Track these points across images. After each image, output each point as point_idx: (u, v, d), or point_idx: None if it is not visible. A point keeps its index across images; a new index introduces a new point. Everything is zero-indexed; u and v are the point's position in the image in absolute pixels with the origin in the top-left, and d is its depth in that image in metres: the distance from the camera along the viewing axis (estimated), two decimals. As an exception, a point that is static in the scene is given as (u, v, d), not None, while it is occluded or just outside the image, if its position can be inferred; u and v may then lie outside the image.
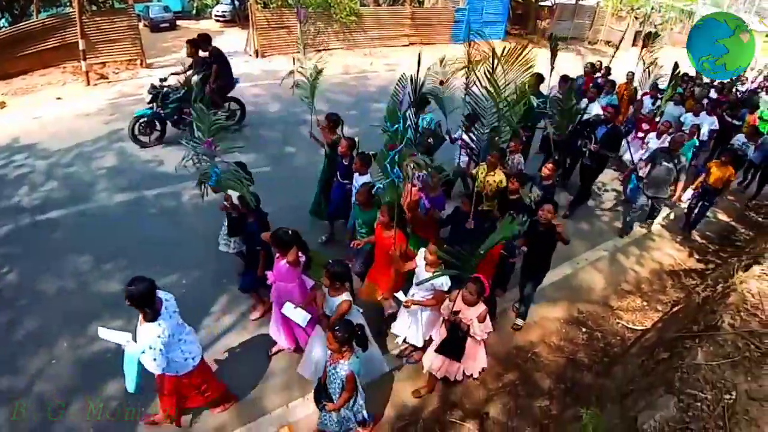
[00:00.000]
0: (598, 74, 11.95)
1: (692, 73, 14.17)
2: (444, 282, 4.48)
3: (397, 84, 5.56)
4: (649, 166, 7.85)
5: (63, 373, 4.88)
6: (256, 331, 5.60)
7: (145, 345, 3.49)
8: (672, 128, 8.94)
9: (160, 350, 3.49)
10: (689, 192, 8.58)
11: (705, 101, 11.05)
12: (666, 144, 8.04)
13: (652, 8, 30.03)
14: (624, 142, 8.96)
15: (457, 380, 4.89)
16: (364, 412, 4.12)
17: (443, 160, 7.77)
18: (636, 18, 28.79)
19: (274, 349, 5.28)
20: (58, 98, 11.69)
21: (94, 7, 15.01)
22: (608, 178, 10.21)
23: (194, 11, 25.80)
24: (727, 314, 4.17)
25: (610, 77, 11.29)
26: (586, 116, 8.64)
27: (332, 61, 17.81)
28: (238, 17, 22.93)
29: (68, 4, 15.11)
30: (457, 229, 5.69)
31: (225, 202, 5.19)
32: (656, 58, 10.73)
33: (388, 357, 5.30)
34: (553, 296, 6.79)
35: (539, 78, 8.28)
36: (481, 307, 4.32)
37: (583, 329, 6.34)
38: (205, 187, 4.80)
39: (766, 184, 10.57)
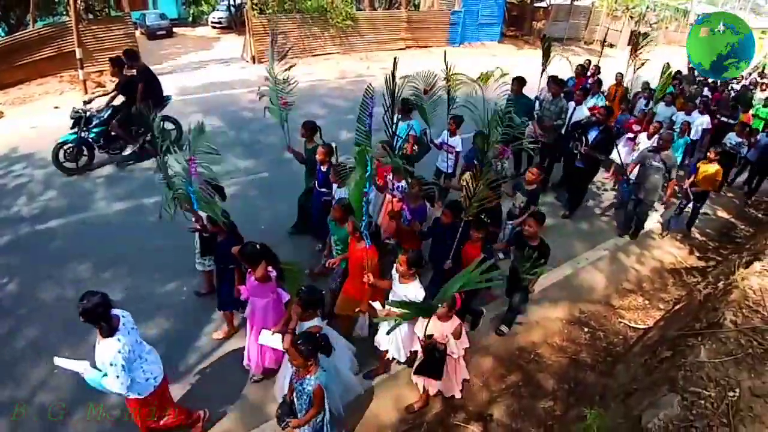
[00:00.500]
0: (589, 75, 11.82)
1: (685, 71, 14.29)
2: (417, 294, 4.34)
3: (364, 94, 5.52)
4: (638, 167, 7.79)
5: (65, 383, 4.84)
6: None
7: (105, 363, 3.37)
8: (663, 129, 8.83)
9: (122, 366, 3.37)
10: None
11: (698, 100, 10.97)
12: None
13: (647, 7, 30.16)
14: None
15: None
16: (327, 427, 3.97)
17: (431, 168, 7.86)
18: (631, 17, 28.90)
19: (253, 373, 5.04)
20: (56, 107, 11.70)
21: (91, 16, 15.01)
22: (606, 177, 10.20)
23: (190, 18, 25.86)
24: (729, 311, 4.16)
25: (600, 77, 11.22)
26: (575, 119, 8.61)
27: (328, 65, 17.89)
28: (235, 23, 23.01)
29: (65, 13, 15.13)
30: (437, 242, 5.48)
31: (195, 223, 5.07)
32: (646, 60, 10.79)
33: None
34: (555, 296, 6.78)
35: (521, 82, 8.24)
36: (455, 322, 4.22)
37: (586, 329, 6.33)
38: (175, 206, 4.65)
39: (764, 182, 10.58)
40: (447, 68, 6.81)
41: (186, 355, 5.27)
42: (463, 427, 4.86)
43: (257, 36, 17.00)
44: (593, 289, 7.15)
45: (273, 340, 4.18)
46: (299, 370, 3.62)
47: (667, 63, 9.78)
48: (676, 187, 8.31)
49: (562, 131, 8.75)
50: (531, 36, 25.81)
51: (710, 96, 12.59)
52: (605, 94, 10.95)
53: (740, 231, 9.54)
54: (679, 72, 13.74)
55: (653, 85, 11.01)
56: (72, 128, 8.44)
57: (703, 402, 3.23)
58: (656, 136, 8.28)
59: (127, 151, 8.83)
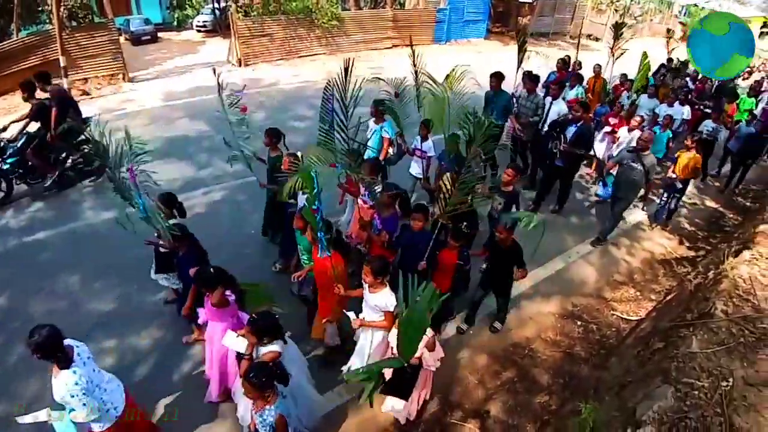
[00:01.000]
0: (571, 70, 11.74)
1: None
2: (389, 302, 4.21)
3: (324, 91, 5.46)
4: (617, 167, 7.68)
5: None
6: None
7: (65, 397, 3.24)
8: (644, 122, 8.88)
9: (84, 393, 3.25)
10: None
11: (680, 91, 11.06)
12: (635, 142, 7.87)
13: (631, 0, 30.31)
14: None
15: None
16: None
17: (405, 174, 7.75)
18: (616, 10, 29.02)
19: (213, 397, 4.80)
20: (41, 116, 11.57)
21: (74, 23, 14.88)
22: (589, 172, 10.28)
23: (175, 23, 25.70)
24: (720, 301, 4.19)
25: (580, 72, 11.23)
26: (553, 114, 8.54)
27: (315, 66, 17.85)
28: (220, 27, 22.88)
29: (48, 21, 14.98)
30: (407, 249, 5.28)
31: (158, 238, 4.95)
32: (625, 50, 10.81)
33: (337, 391, 5.07)
34: (547, 291, 6.81)
35: (499, 78, 8.18)
36: (428, 333, 3.99)
37: (579, 323, 6.36)
38: (130, 220, 4.54)
39: (748, 172, 10.64)
40: (416, 68, 6.73)
41: (179, 363, 5.24)
42: (461, 425, 4.87)
43: (243, 39, 16.94)
44: (585, 282, 7.18)
45: (237, 343, 3.96)
46: (256, 401, 3.44)
47: (645, 52, 9.82)
48: (658, 182, 8.37)
49: (539, 127, 8.68)
50: (517, 32, 25.89)
51: (693, 87, 12.67)
52: (585, 87, 10.90)
53: (729, 220, 9.61)
54: (663, 65, 13.83)
55: (632, 76, 11.09)
56: None
57: (696, 393, 3.24)
58: (636, 132, 8.29)
59: (48, 181, 8.14)
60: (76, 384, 3.23)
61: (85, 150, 8.26)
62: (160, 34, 22.66)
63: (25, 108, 7.98)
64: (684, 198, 10.05)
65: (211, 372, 4.66)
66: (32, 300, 5.99)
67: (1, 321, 5.67)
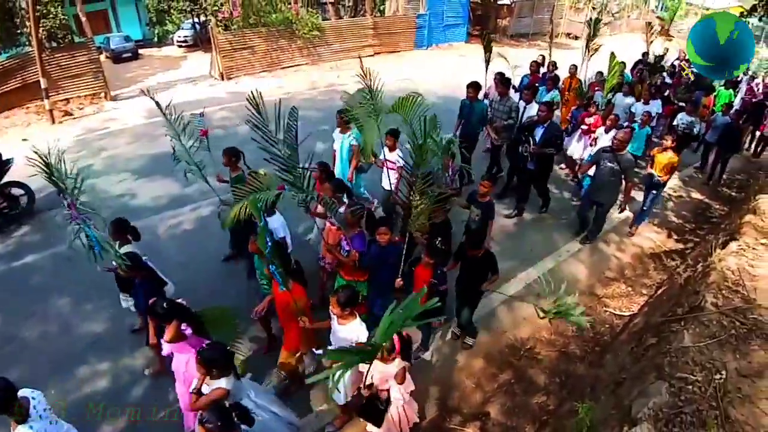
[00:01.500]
0: (544, 70, 11.50)
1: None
2: (360, 334, 4.00)
3: (289, 114, 5.15)
4: (594, 168, 7.48)
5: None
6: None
7: None
8: (619, 121, 8.74)
9: None
10: None
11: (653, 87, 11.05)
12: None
13: (609, -4, 30.71)
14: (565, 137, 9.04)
15: None
16: None
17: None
18: (593, 8, 29.36)
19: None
20: (24, 139, 11.45)
21: (54, 44, 14.74)
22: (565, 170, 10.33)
23: (156, 38, 25.60)
24: (710, 294, 4.22)
25: (557, 72, 11.05)
26: (525, 119, 8.43)
27: (298, 77, 17.84)
28: (201, 41, 22.85)
29: (27, 43, 14.84)
30: (376, 266, 5.11)
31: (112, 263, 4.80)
32: (599, 46, 10.80)
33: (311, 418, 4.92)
34: (540, 290, 6.81)
35: (476, 87, 8.14)
36: (399, 364, 3.83)
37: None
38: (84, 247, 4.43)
39: (729, 161, 10.75)
40: (368, 78, 6.31)
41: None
42: (460, 430, 4.86)
43: (224, 52, 16.91)
44: (577, 280, 7.21)
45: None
46: None
47: (612, 53, 9.88)
48: (637, 181, 8.32)
49: (515, 131, 8.46)
50: (497, 34, 26.03)
51: (671, 82, 12.77)
52: (561, 86, 10.83)
53: (715, 211, 9.73)
54: (640, 60, 13.93)
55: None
56: None
57: (690, 387, 3.26)
58: (615, 130, 8.11)
59: None
60: None
61: (9, 193, 7.89)
62: (140, 51, 22.58)
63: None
64: (670, 191, 10.18)
65: (182, 404, 4.46)
66: (25, 324, 5.92)
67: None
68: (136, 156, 10.37)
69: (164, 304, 3.96)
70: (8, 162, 8.05)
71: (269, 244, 3.91)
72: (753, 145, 13.09)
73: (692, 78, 12.99)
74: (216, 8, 20.72)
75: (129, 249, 4.95)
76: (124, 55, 21.12)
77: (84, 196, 7.89)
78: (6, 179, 7.93)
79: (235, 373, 3.73)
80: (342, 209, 5.40)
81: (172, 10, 23.17)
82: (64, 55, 13.90)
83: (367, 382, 3.76)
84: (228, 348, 3.75)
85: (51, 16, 16.02)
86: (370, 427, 4.19)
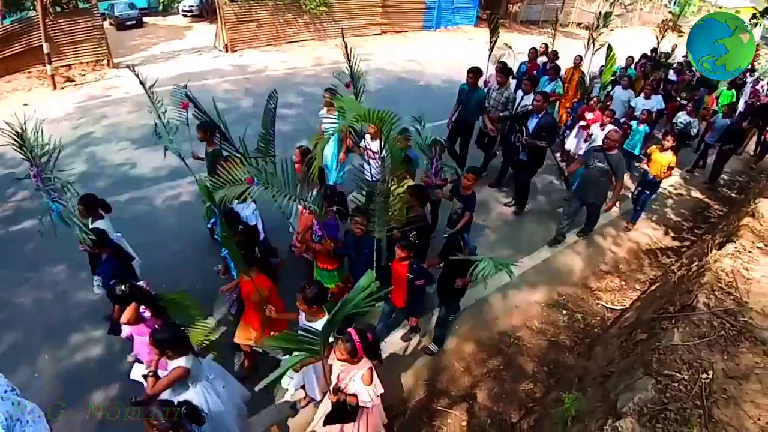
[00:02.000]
0: (544, 59, 11.21)
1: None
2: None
3: (268, 99, 5.12)
4: (583, 167, 7.23)
5: (47, 387, 4.80)
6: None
7: None
8: (615, 117, 8.64)
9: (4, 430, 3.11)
10: None
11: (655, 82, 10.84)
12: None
13: (622, -12, 30.34)
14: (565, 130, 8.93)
15: None
16: None
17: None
18: (606, -1, 29.02)
19: None
20: (25, 104, 11.36)
21: (58, 9, 14.57)
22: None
23: (161, 7, 25.26)
24: (702, 294, 4.24)
25: (557, 62, 10.60)
26: (520, 108, 8.20)
27: (304, 53, 17.67)
28: (206, 12, 22.54)
29: (32, 8, 14.64)
30: (356, 255, 5.04)
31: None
32: (605, 41, 10.50)
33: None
34: (534, 280, 6.88)
35: (477, 74, 7.88)
36: (365, 366, 3.61)
37: (564, 312, 6.44)
38: (53, 223, 4.44)
39: (727, 162, 10.67)
40: (350, 62, 6.01)
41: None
42: (447, 412, 4.93)
43: (229, 24, 16.73)
44: (571, 271, 7.25)
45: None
46: None
47: (610, 45, 9.75)
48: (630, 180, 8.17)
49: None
50: (507, 19, 25.78)
51: (676, 79, 12.59)
52: (562, 78, 10.48)
53: (714, 211, 9.73)
54: (645, 54, 13.76)
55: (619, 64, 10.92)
56: None
57: (676, 385, 3.29)
58: (609, 126, 7.98)
59: None
60: None
61: None
62: (145, 19, 22.28)
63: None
64: (671, 188, 10.18)
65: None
66: (19, 290, 5.94)
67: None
68: (138, 125, 10.30)
69: (123, 287, 3.87)
70: None
71: (219, 233, 3.82)
72: (757, 150, 12.80)
73: (698, 76, 12.89)
74: (223, -22, 20.45)
75: (100, 224, 4.88)
76: (128, 23, 20.83)
77: (83, 163, 7.90)
78: None
79: (193, 352, 3.70)
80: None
81: (179, -22, 22.90)
82: (67, 21, 13.73)
83: (336, 382, 3.62)
84: (181, 328, 3.74)
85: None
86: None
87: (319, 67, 16.02)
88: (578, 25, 28.72)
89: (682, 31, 32.19)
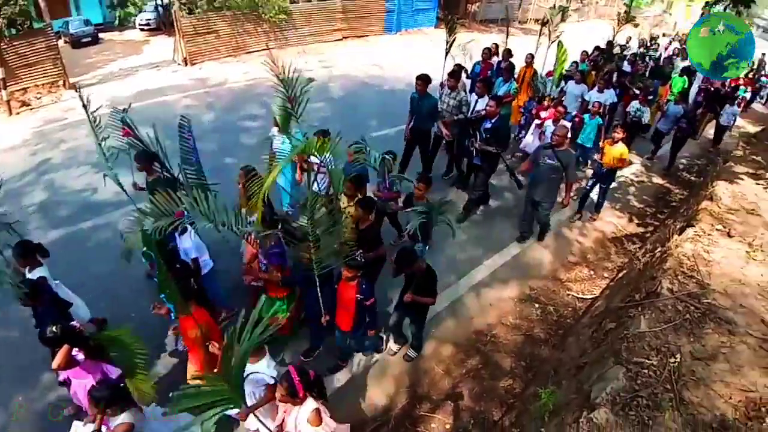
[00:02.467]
0: (498, 58, 10.96)
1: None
2: (267, 374, 3.66)
3: (179, 124, 4.93)
4: (533, 165, 7.10)
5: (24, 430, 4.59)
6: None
7: None
8: (567, 113, 8.74)
9: None
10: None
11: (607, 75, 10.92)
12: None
13: (578, -17, 30.94)
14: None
15: None
16: None
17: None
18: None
19: None
20: (-22, 134, 11.02)
21: (14, 31, 14.03)
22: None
23: (117, 21, 24.75)
24: (666, 279, 4.37)
25: (511, 60, 10.40)
26: (474, 112, 8.07)
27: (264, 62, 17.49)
28: (164, 25, 22.18)
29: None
30: (305, 290, 4.78)
31: None
32: (558, 37, 10.60)
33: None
34: (505, 276, 6.96)
35: (425, 80, 7.64)
36: (309, 406, 3.38)
37: (537, 305, 6.54)
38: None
39: (681, 148, 10.96)
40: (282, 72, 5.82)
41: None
42: (430, 416, 4.95)
43: (187, 37, 16.48)
44: (541, 265, 7.37)
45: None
46: None
47: (560, 41, 9.88)
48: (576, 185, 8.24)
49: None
50: (466, 19, 26.05)
51: (630, 71, 12.71)
52: (515, 77, 10.25)
53: (675, 195, 10.02)
54: (597, 47, 13.86)
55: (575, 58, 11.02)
56: None
57: (646, 371, 3.39)
58: (562, 122, 8.06)
59: None
60: None
61: None
62: (101, 35, 21.75)
63: None
64: (632, 176, 10.43)
65: None
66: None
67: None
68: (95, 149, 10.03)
69: (53, 328, 3.69)
70: None
71: (157, 274, 3.56)
72: (713, 134, 13.19)
73: (651, 66, 13.18)
74: (179, -10, 20.17)
75: (39, 272, 4.63)
76: (84, 40, 20.28)
77: (43, 192, 7.57)
78: None
79: (135, 405, 3.59)
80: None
81: (134, -8, 22.49)
82: (22, 43, 13.28)
83: (275, 428, 3.46)
84: (119, 385, 3.61)
85: (11, 2, 15.29)
86: None
87: (281, 76, 15.88)
88: (536, 21, 29.20)
89: (637, 23, 33.02)
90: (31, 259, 4.70)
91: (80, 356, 3.88)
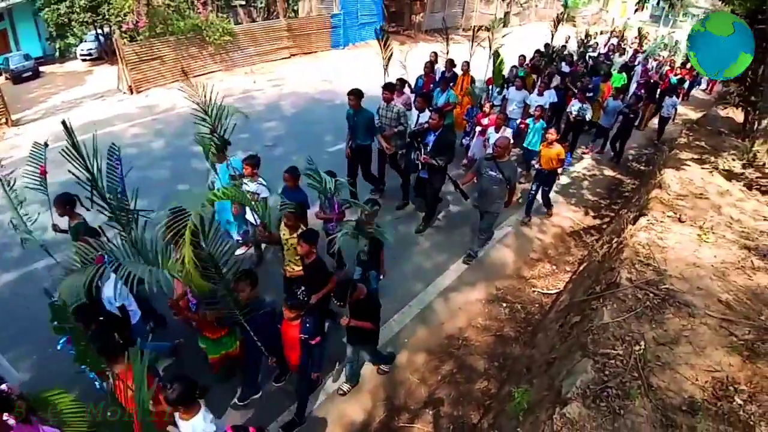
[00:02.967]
0: (439, 66, 11.03)
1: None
2: (206, 430, 3.38)
3: (108, 154, 4.69)
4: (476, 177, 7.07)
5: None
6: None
7: None
8: (508, 120, 8.88)
9: None
10: None
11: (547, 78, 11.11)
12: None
13: (517, -12, 31.82)
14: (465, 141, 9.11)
15: None
16: None
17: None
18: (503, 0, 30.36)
19: None
20: None
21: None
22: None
23: (57, 54, 24.01)
24: (624, 269, 4.49)
25: (455, 70, 10.68)
26: (416, 126, 7.99)
27: (210, 85, 17.28)
28: (106, 53, 21.65)
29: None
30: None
31: None
32: (500, 46, 10.63)
33: None
34: (471, 279, 7.03)
35: (358, 95, 7.56)
36: None
37: (504, 304, 6.62)
38: None
39: (627, 142, 11.35)
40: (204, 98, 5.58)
41: None
42: (409, 427, 4.91)
43: (131, 64, 16.12)
44: (505, 265, 7.48)
45: None
46: None
47: (497, 51, 10.09)
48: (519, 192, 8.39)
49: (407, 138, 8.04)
50: (412, 30, 26.40)
51: (569, 71, 13.05)
52: (452, 86, 10.20)
53: (627, 185, 10.35)
54: (538, 50, 14.14)
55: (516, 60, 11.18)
56: None
57: (613, 361, 3.46)
58: (504, 128, 8.22)
59: None
60: None
61: None
62: (42, 68, 21.10)
63: None
64: (584, 171, 10.74)
65: None
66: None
67: None
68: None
69: None
70: None
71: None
72: (657, 125, 13.53)
73: (590, 65, 13.58)
74: (120, 19, 19.69)
75: None
76: (25, 75, 19.63)
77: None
78: None
79: None
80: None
81: (73, 23, 21.76)
82: (-42, 82, 12.77)
83: None
84: None
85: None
86: None
87: (230, 98, 15.70)
88: (480, 28, 29.82)
89: (576, 24, 34.23)
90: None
91: (11, 421, 3.53)
